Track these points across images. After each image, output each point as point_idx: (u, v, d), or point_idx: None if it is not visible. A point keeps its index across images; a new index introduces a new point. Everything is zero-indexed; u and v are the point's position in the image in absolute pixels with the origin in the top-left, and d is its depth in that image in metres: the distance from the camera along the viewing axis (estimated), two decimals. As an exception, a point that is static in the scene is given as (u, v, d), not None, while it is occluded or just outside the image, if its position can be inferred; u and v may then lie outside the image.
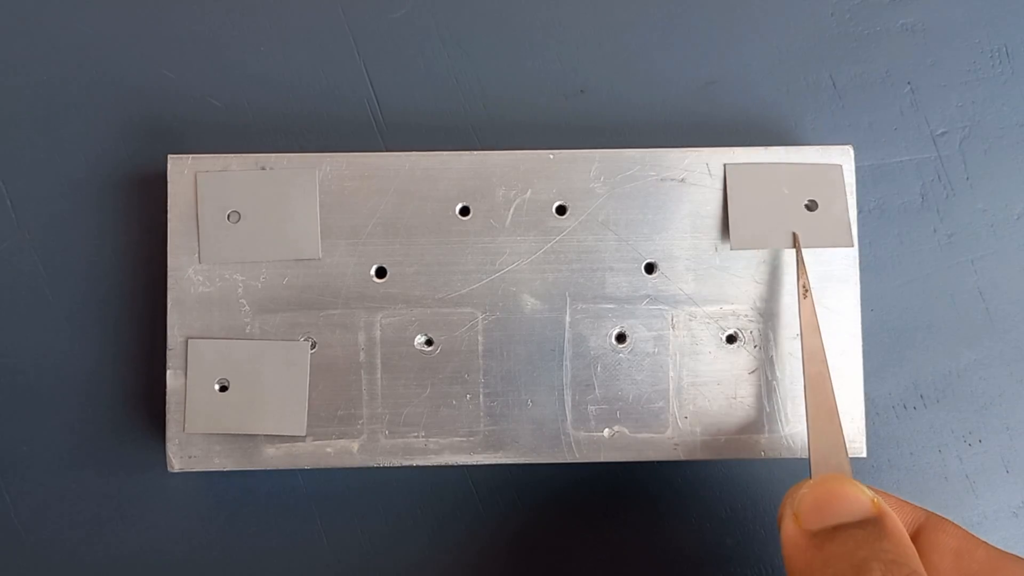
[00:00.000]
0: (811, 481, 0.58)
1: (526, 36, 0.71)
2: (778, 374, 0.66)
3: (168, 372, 0.65)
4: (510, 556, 0.68)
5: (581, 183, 0.67)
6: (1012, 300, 0.70)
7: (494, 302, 0.66)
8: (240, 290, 0.65)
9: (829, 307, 0.67)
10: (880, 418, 0.69)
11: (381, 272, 0.66)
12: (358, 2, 0.71)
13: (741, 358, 0.67)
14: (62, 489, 0.68)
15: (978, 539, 0.58)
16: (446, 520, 0.68)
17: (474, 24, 0.71)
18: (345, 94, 0.70)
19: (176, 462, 0.65)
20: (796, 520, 0.56)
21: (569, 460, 0.66)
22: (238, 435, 0.65)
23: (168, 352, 0.65)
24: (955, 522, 0.58)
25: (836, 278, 0.67)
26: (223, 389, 0.64)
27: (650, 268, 0.67)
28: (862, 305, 0.67)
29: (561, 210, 0.67)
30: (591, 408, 0.66)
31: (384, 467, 0.65)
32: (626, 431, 0.66)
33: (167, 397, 0.65)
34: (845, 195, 0.67)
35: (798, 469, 0.64)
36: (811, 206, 0.67)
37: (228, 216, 0.65)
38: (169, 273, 0.65)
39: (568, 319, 0.66)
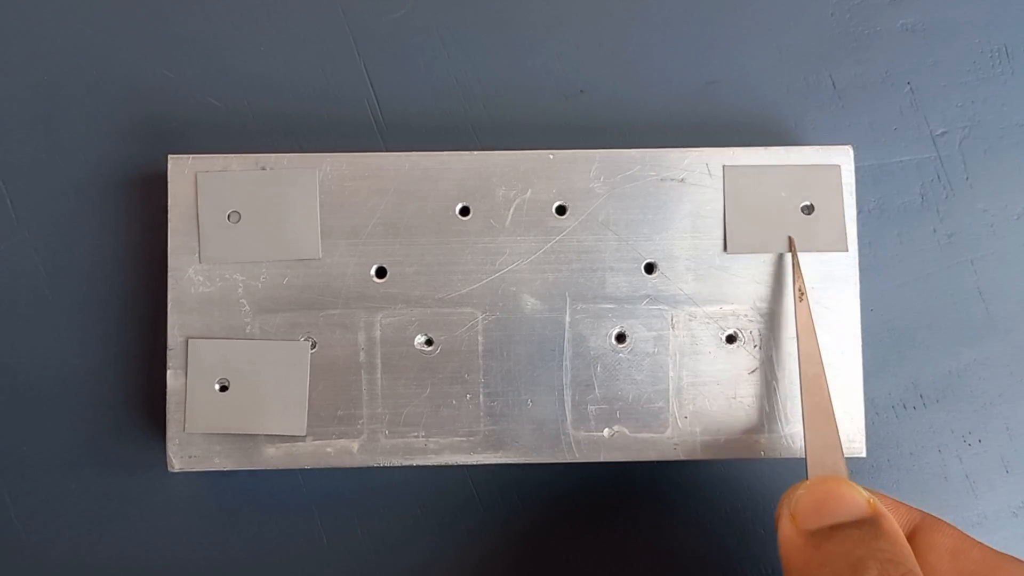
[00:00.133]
0: (807, 482, 0.58)
1: (526, 36, 0.71)
2: (778, 374, 0.66)
3: (168, 372, 0.65)
4: (511, 556, 0.68)
5: (581, 183, 0.67)
6: (1012, 300, 0.70)
7: (494, 302, 0.66)
8: (240, 290, 0.65)
9: (829, 307, 0.67)
10: (880, 418, 0.69)
11: (381, 272, 0.66)
12: (358, 2, 0.71)
13: (741, 358, 0.67)
14: (62, 489, 0.68)
15: (973, 539, 0.58)
16: (446, 520, 0.68)
17: (474, 24, 0.71)
18: (345, 94, 0.70)
19: (176, 462, 0.65)
20: (793, 520, 0.56)
21: (569, 460, 0.66)
22: (238, 435, 0.65)
23: (168, 352, 0.65)
24: (954, 522, 0.58)
25: (836, 278, 0.67)
26: (223, 389, 0.65)
27: (650, 268, 0.67)
28: (862, 305, 0.67)
29: (561, 210, 0.67)
30: (591, 408, 0.66)
31: (384, 467, 0.65)
32: (626, 431, 0.66)
33: (167, 397, 0.65)
34: (842, 198, 0.67)
35: (798, 469, 0.64)
36: (808, 210, 0.67)
37: (228, 216, 0.65)
38: (169, 273, 0.65)
39: (568, 319, 0.66)
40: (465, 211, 0.66)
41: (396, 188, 0.66)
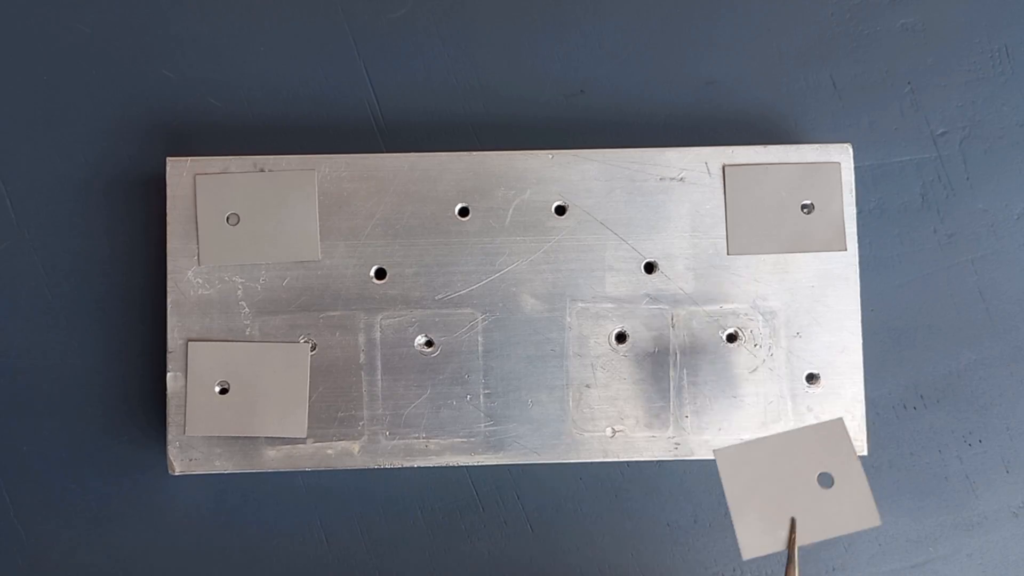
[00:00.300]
0: None
1: (526, 36, 0.71)
2: (778, 373, 0.66)
3: (168, 375, 0.65)
4: (510, 556, 0.68)
5: (581, 183, 0.67)
6: (1012, 300, 0.70)
7: (494, 302, 0.66)
8: (240, 292, 0.65)
9: (829, 306, 0.67)
10: (880, 418, 0.69)
11: (381, 273, 0.66)
12: (358, 2, 0.70)
13: (741, 357, 0.67)
14: (62, 489, 0.68)
15: None
16: (446, 520, 0.68)
17: (474, 24, 0.71)
18: (345, 94, 0.70)
19: (177, 465, 0.65)
20: None
21: (570, 460, 0.66)
22: (239, 437, 0.65)
23: (168, 355, 0.65)
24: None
25: (835, 277, 0.67)
26: (223, 391, 0.65)
27: (650, 268, 0.67)
28: (862, 305, 0.67)
29: (560, 210, 0.67)
30: (591, 408, 0.66)
31: (385, 468, 0.66)
32: (626, 430, 0.66)
33: (167, 400, 0.65)
34: (842, 197, 0.67)
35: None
36: (807, 209, 0.67)
37: (227, 218, 0.65)
38: (168, 275, 0.65)
39: (568, 319, 0.66)
40: (464, 212, 0.66)
41: (395, 189, 0.66)
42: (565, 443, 0.66)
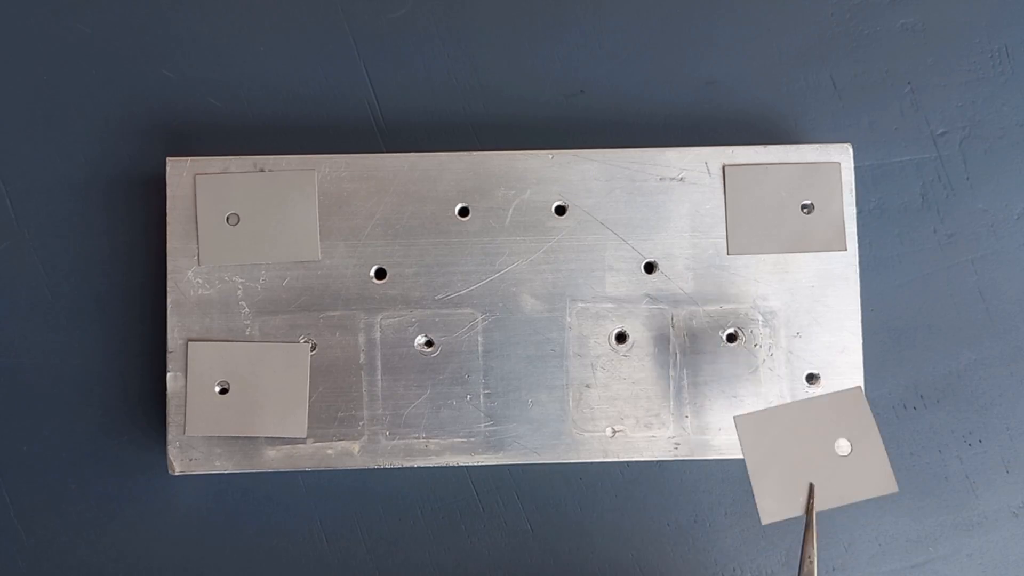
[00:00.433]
0: None
1: (526, 36, 0.71)
2: (779, 373, 0.66)
3: (168, 375, 0.65)
4: (510, 556, 0.68)
5: (580, 183, 0.67)
6: (1012, 300, 0.70)
7: (494, 302, 0.66)
8: (240, 292, 0.65)
9: (829, 306, 0.67)
10: (880, 418, 0.69)
11: (381, 273, 0.66)
12: (358, 2, 0.70)
13: (741, 357, 0.67)
14: (62, 489, 0.68)
15: None
16: (446, 520, 0.68)
17: (474, 24, 0.71)
18: (345, 94, 0.70)
19: (177, 465, 0.65)
20: None
21: (569, 460, 0.66)
22: (239, 437, 0.65)
23: (168, 355, 0.65)
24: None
25: (835, 277, 0.67)
26: (223, 391, 0.65)
27: (650, 268, 0.67)
28: (862, 305, 0.67)
29: (560, 210, 0.67)
30: (591, 408, 0.66)
31: (385, 468, 0.66)
32: (626, 430, 0.66)
33: (167, 400, 0.65)
34: (842, 197, 0.67)
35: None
36: (807, 209, 0.67)
37: (227, 218, 0.65)
38: (168, 275, 0.65)
39: (568, 319, 0.66)
40: (464, 212, 0.66)
41: (395, 189, 0.66)
42: (565, 443, 0.66)
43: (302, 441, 0.65)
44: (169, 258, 0.65)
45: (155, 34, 0.70)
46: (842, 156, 0.67)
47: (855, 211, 0.67)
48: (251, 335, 0.65)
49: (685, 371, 0.66)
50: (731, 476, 0.69)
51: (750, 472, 0.60)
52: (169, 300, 0.65)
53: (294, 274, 0.66)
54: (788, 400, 0.66)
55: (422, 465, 0.65)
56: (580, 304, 0.66)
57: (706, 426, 0.66)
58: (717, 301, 0.67)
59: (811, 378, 0.66)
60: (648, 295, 0.67)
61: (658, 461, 0.68)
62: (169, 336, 0.65)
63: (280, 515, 0.68)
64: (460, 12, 0.71)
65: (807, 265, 0.67)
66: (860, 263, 0.67)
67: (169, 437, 0.65)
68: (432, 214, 0.66)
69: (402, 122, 0.70)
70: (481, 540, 0.68)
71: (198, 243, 0.65)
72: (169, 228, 0.65)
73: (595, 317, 0.66)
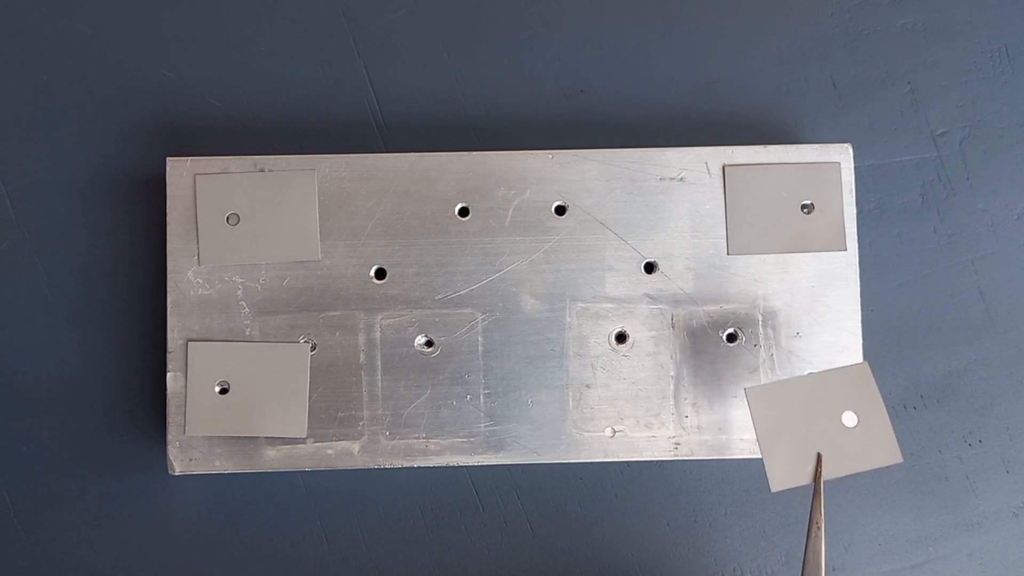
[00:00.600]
0: None
1: (526, 36, 0.71)
2: (779, 373, 0.66)
3: (168, 375, 0.65)
4: (510, 556, 0.68)
5: (580, 183, 0.67)
6: (1012, 300, 0.70)
7: (494, 302, 0.66)
8: (240, 292, 0.65)
9: (829, 306, 0.67)
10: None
11: (381, 273, 0.66)
12: (358, 2, 0.70)
13: (741, 357, 0.67)
14: (62, 489, 0.68)
15: None
16: (446, 520, 0.68)
17: (474, 24, 0.71)
18: (345, 94, 0.70)
19: (177, 465, 0.65)
20: None
21: (570, 460, 0.66)
22: (239, 437, 0.65)
23: (168, 355, 0.65)
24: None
25: (835, 277, 0.67)
26: (223, 391, 0.65)
27: (650, 268, 0.67)
28: (862, 305, 0.67)
29: (560, 210, 0.67)
30: (591, 408, 0.66)
31: (385, 468, 0.66)
32: (626, 430, 0.66)
33: (167, 400, 0.65)
34: (842, 197, 0.67)
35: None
36: (807, 209, 0.67)
37: (227, 218, 0.65)
38: (168, 276, 0.65)
39: (568, 319, 0.66)
40: (464, 212, 0.66)
41: (395, 189, 0.66)
42: (565, 443, 0.66)
43: (302, 441, 0.65)
44: (169, 258, 0.65)
45: (155, 34, 0.70)
46: (842, 156, 0.67)
47: (855, 211, 0.67)
48: (251, 335, 0.65)
49: (685, 371, 0.66)
50: (731, 476, 0.69)
51: (760, 442, 0.61)
52: (169, 300, 0.65)
53: (294, 274, 0.66)
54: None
55: (422, 465, 0.65)
56: (580, 304, 0.66)
57: (706, 426, 0.66)
58: (717, 301, 0.67)
59: (811, 378, 0.66)
60: (648, 295, 0.67)
61: (658, 461, 0.68)
62: (169, 336, 0.65)
63: (280, 515, 0.68)
64: (460, 12, 0.71)
65: (807, 265, 0.67)
66: (860, 263, 0.67)
67: (169, 437, 0.65)
68: (432, 214, 0.66)
69: (402, 122, 0.70)
70: (481, 540, 0.69)
71: (198, 243, 0.65)
72: (169, 228, 0.65)
73: (595, 317, 0.66)
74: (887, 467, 0.69)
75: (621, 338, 0.67)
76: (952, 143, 0.71)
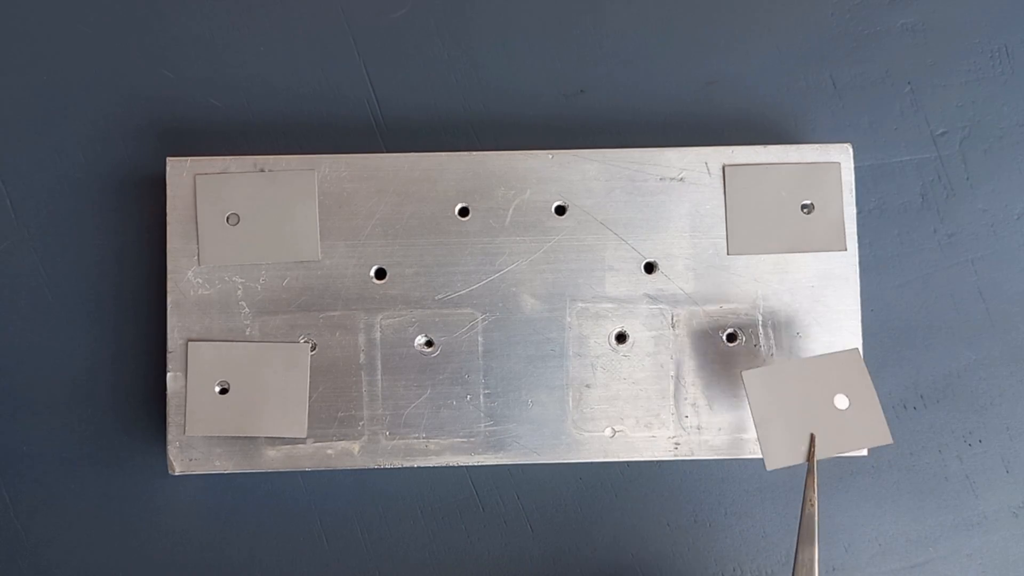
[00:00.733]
0: None
1: (526, 36, 0.71)
2: (778, 373, 0.66)
3: (168, 375, 0.65)
4: (510, 556, 0.68)
5: (580, 183, 0.67)
6: (1012, 300, 0.70)
7: (494, 302, 0.66)
8: (240, 292, 0.65)
9: (829, 306, 0.67)
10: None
11: (381, 273, 0.66)
12: (358, 2, 0.70)
13: (741, 357, 0.67)
14: (62, 489, 0.68)
15: None
16: (446, 520, 0.68)
17: (474, 24, 0.71)
18: (345, 94, 0.70)
19: (177, 465, 0.65)
20: None
21: (570, 460, 0.66)
22: (239, 437, 0.65)
23: (168, 355, 0.65)
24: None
25: (835, 277, 0.67)
26: (223, 391, 0.65)
27: (650, 268, 0.67)
28: (862, 305, 0.67)
29: (560, 210, 0.67)
30: (591, 408, 0.66)
31: (385, 468, 0.66)
32: (626, 430, 0.66)
33: (167, 400, 0.65)
34: (842, 197, 0.67)
35: (798, 468, 0.64)
36: (807, 209, 0.67)
37: (227, 218, 0.65)
38: (168, 276, 0.65)
39: (568, 319, 0.66)
40: (464, 212, 0.66)
41: (395, 189, 0.66)
42: (565, 443, 0.66)
43: (302, 441, 0.65)
44: (169, 258, 0.65)
45: (155, 34, 0.70)
46: (842, 156, 0.67)
47: (855, 211, 0.67)
48: (251, 335, 0.65)
49: (685, 371, 0.66)
50: (731, 476, 0.69)
51: (756, 423, 0.63)
52: (169, 300, 0.65)
53: (294, 274, 0.66)
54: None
55: (422, 465, 0.65)
56: (580, 304, 0.66)
57: (706, 426, 0.66)
58: (717, 301, 0.67)
59: (811, 378, 0.66)
60: (648, 295, 0.67)
61: (658, 461, 0.68)
62: (169, 336, 0.65)
63: (280, 515, 0.68)
64: (460, 12, 0.71)
65: (807, 265, 0.67)
66: (860, 263, 0.67)
67: (169, 437, 0.65)
68: (432, 214, 0.66)
69: (402, 122, 0.70)
70: (481, 540, 0.69)
71: (198, 243, 0.65)
72: (169, 228, 0.65)
73: (595, 317, 0.66)
74: (887, 467, 0.69)
75: (621, 338, 0.67)
76: (952, 143, 0.71)
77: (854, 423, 0.64)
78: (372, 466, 0.65)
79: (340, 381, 0.65)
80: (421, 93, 0.70)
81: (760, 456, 0.65)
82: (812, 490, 0.62)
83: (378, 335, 0.66)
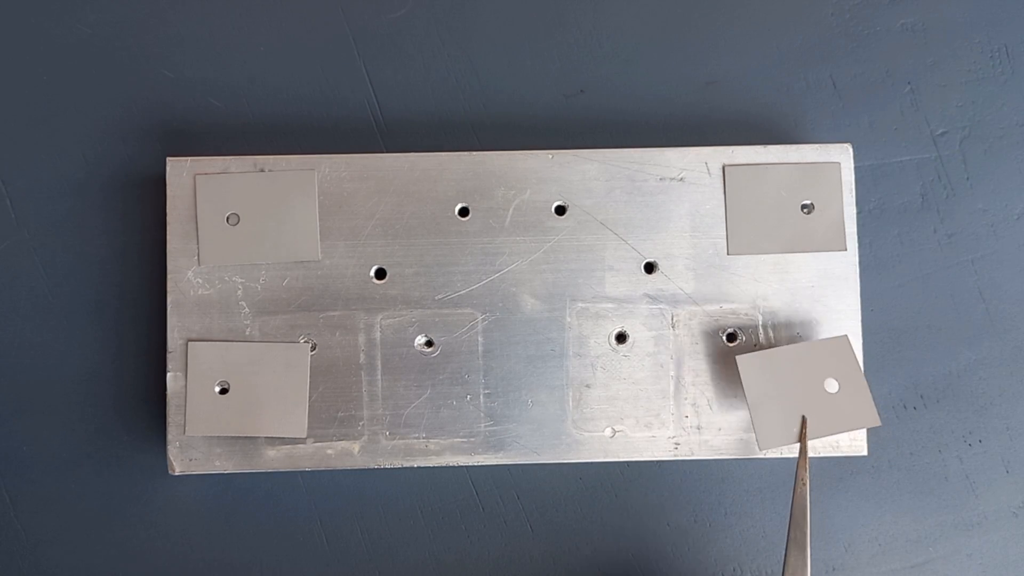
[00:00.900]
0: None
1: (526, 36, 0.71)
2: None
3: (168, 375, 0.65)
4: (510, 556, 0.68)
5: (580, 183, 0.67)
6: (1012, 300, 0.70)
7: (494, 302, 0.66)
8: (240, 292, 0.65)
9: (829, 306, 0.67)
10: (880, 418, 0.69)
11: (381, 273, 0.66)
12: (358, 2, 0.70)
13: (741, 357, 0.67)
14: (62, 489, 0.68)
15: None
16: (446, 520, 0.68)
17: (474, 24, 0.71)
18: (345, 94, 0.70)
19: (177, 465, 0.65)
20: None
21: (570, 460, 0.66)
22: (239, 437, 0.65)
23: (168, 355, 0.65)
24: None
25: (835, 277, 0.67)
26: (223, 391, 0.65)
27: (650, 268, 0.67)
28: (862, 305, 0.67)
29: (560, 210, 0.67)
30: (592, 408, 0.66)
31: (385, 468, 0.66)
32: (626, 430, 0.66)
33: (167, 400, 0.65)
34: (842, 197, 0.67)
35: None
36: (807, 209, 0.67)
37: (227, 218, 0.65)
38: (168, 276, 0.65)
39: (568, 319, 0.66)
40: (464, 212, 0.66)
41: (395, 189, 0.66)
42: (565, 443, 0.66)
43: (302, 441, 0.65)
44: (169, 258, 0.65)
45: (155, 34, 0.70)
46: (842, 156, 0.67)
47: (855, 211, 0.67)
48: (251, 335, 0.65)
49: (685, 371, 0.66)
50: (731, 476, 0.69)
51: (750, 406, 0.65)
52: (169, 300, 0.65)
53: (294, 274, 0.66)
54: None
55: (422, 465, 0.65)
56: (580, 304, 0.66)
57: (706, 426, 0.66)
58: (717, 301, 0.67)
59: (811, 378, 0.67)
60: (648, 295, 0.67)
61: (658, 461, 0.68)
62: (169, 336, 0.65)
63: (280, 515, 0.68)
64: (460, 12, 0.71)
65: (807, 265, 0.67)
66: (860, 263, 0.67)
67: (169, 437, 0.65)
68: (432, 214, 0.66)
69: (402, 122, 0.70)
70: (481, 540, 0.68)
71: (198, 243, 0.65)
72: (169, 228, 0.65)
73: (595, 317, 0.66)
74: (887, 467, 0.69)
75: (621, 338, 0.66)
76: (952, 143, 0.71)
77: (844, 406, 0.65)
78: (372, 466, 0.65)
79: (340, 381, 0.65)
80: (421, 93, 0.70)
81: (760, 456, 0.65)
82: (804, 469, 0.63)
83: (378, 335, 0.66)
